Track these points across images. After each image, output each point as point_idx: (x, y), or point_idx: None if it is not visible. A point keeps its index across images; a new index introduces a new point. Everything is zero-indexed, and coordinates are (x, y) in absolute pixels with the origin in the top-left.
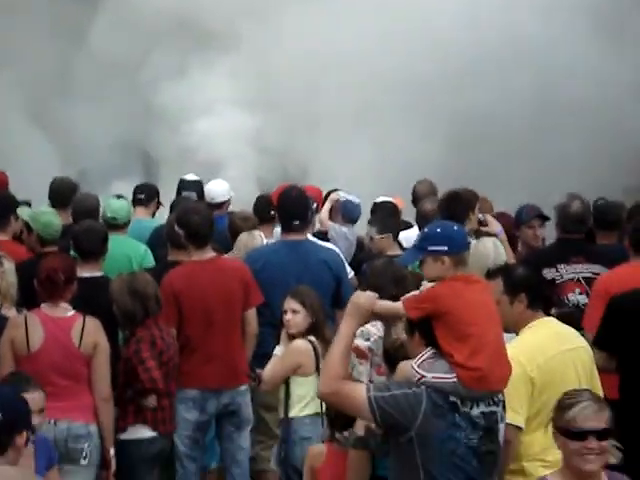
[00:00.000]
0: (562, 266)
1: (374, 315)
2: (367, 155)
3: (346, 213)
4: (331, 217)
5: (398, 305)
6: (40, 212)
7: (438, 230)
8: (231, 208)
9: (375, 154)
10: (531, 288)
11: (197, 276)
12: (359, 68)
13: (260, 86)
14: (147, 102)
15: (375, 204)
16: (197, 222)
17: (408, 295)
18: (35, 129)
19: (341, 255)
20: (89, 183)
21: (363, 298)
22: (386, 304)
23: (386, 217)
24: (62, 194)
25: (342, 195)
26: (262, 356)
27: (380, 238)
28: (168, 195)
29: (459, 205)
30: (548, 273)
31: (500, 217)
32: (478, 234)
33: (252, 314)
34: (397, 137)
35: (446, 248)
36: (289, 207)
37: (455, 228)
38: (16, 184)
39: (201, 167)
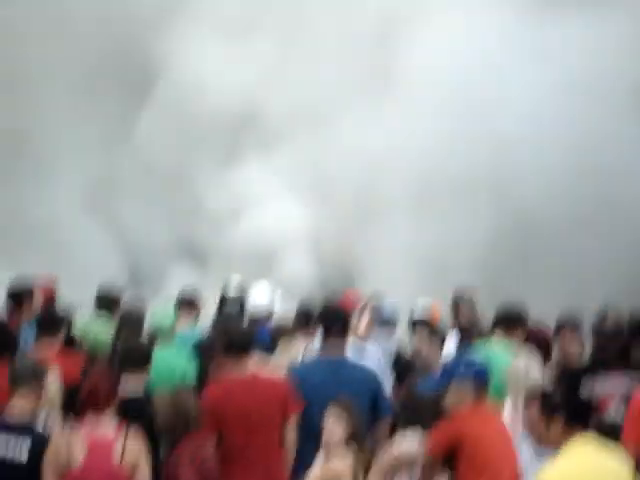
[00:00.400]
0: (600, 380)
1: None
2: (414, 250)
3: (382, 318)
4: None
5: (419, 449)
6: (90, 326)
7: (463, 361)
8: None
9: (422, 247)
10: (568, 409)
11: (236, 392)
12: (410, 164)
13: (314, 180)
14: (198, 196)
15: (415, 321)
16: (236, 339)
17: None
18: (90, 223)
19: (377, 371)
20: (143, 276)
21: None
22: (407, 453)
23: (431, 331)
24: (108, 302)
25: (379, 302)
26: (302, 467)
27: (427, 350)
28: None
29: (509, 320)
30: (585, 387)
31: (537, 328)
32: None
33: (291, 426)
34: (442, 231)
35: (469, 379)
36: (327, 322)
37: (479, 361)
38: (73, 276)
39: (255, 261)
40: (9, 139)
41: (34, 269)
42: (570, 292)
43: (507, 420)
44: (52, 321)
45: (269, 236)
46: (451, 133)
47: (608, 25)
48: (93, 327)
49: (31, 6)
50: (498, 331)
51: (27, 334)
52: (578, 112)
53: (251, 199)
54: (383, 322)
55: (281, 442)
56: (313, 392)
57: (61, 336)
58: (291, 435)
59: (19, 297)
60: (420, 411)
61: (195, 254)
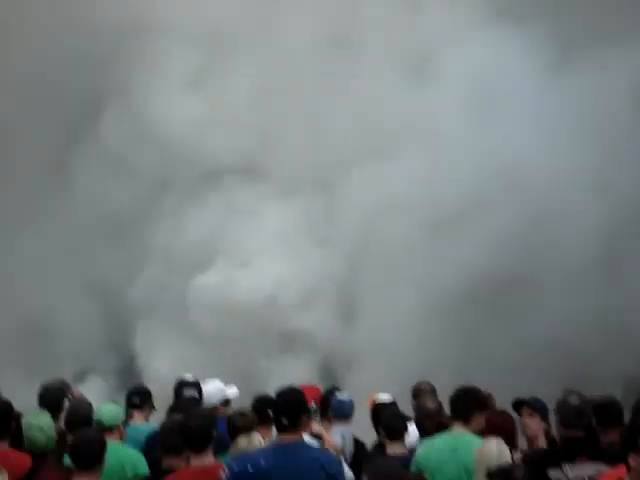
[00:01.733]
0: (567, 466)
1: None
2: None
3: (336, 411)
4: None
5: None
6: (30, 419)
7: None
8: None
9: None
10: None
11: None
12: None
13: None
14: None
15: (377, 405)
16: (197, 426)
17: None
18: None
19: (339, 457)
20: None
21: None
22: None
23: (396, 418)
24: (51, 400)
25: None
26: None
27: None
28: None
29: (467, 402)
30: (554, 473)
31: (501, 416)
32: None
33: None
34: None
35: None
36: (279, 406)
37: None
38: None
39: None
40: None
41: None
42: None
43: None
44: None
45: None
46: None
47: None
48: (35, 422)
49: None
50: (456, 422)
51: None
52: None
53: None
54: (335, 414)
55: None
56: (265, 478)
57: (7, 435)
58: None
59: None
60: None
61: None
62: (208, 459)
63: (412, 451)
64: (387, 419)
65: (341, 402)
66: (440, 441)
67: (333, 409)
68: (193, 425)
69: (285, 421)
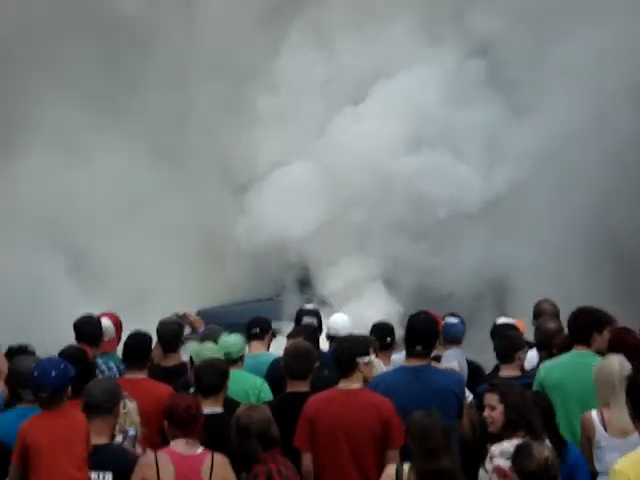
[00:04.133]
0: None
1: None
2: None
3: (447, 335)
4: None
5: None
6: (203, 349)
7: None
8: None
9: None
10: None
11: (334, 404)
12: None
13: None
14: None
15: (495, 326)
16: (347, 348)
17: None
18: None
19: (463, 378)
20: None
21: None
22: None
23: (505, 340)
24: (169, 337)
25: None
26: None
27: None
28: None
29: (584, 323)
30: None
31: (624, 332)
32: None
33: (394, 455)
34: None
35: None
36: (414, 331)
37: None
38: None
39: None
40: None
41: None
42: None
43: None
44: (144, 347)
45: None
46: None
47: None
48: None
49: None
50: (576, 343)
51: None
52: None
53: None
54: (445, 338)
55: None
56: (396, 400)
57: (147, 365)
58: None
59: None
60: None
61: None
62: (355, 384)
63: (531, 373)
64: (496, 342)
65: (451, 325)
66: (562, 360)
67: (443, 333)
68: (344, 349)
69: (419, 348)
